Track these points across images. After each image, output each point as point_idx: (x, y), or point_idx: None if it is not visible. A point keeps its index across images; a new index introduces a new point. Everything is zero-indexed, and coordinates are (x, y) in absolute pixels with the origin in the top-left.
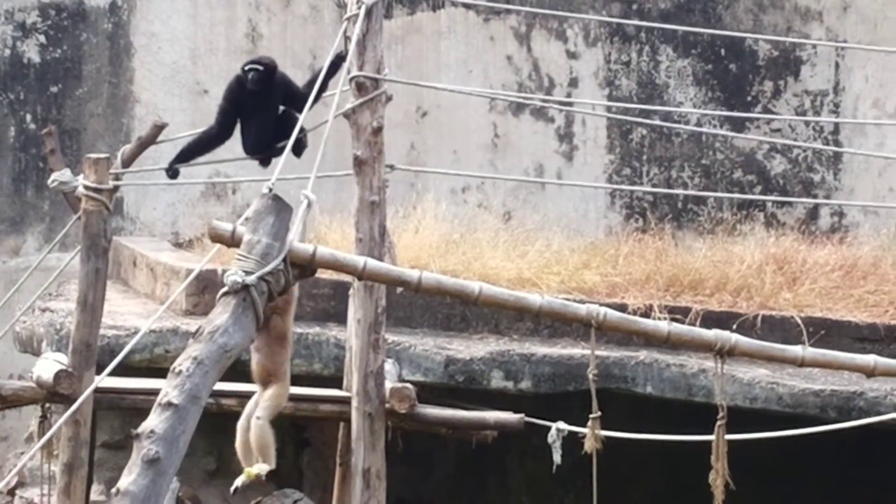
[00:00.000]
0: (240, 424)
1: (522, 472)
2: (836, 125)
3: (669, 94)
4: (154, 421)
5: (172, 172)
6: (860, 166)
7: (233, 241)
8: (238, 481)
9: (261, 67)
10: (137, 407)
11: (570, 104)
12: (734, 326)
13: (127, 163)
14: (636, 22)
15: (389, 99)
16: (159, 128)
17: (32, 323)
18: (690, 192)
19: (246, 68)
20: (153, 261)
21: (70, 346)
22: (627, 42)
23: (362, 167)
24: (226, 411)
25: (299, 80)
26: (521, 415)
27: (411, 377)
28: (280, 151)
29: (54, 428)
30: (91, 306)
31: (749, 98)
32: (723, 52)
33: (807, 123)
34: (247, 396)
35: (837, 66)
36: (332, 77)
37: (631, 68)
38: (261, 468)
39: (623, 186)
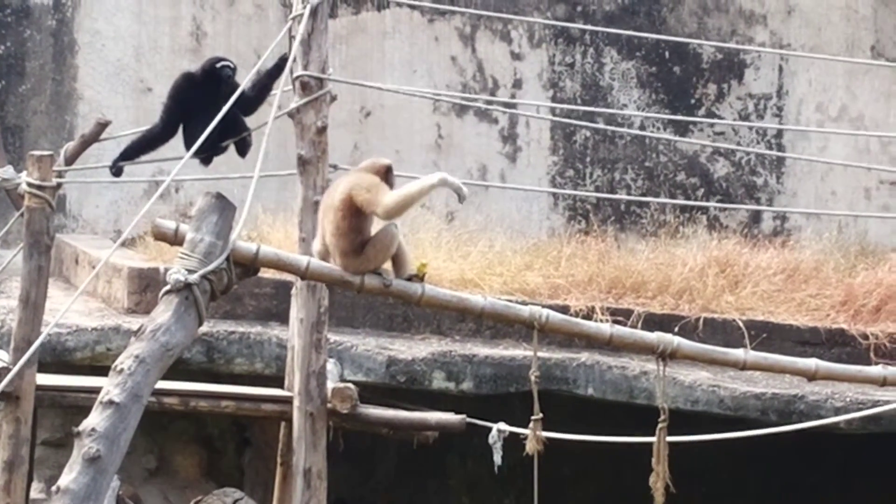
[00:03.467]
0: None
1: (463, 472)
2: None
3: (613, 96)
4: (95, 419)
5: (116, 170)
6: (803, 170)
7: (176, 240)
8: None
9: (231, 64)
10: (79, 405)
11: (514, 106)
12: (676, 329)
13: (70, 160)
14: (580, 25)
15: (334, 99)
16: (102, 125)
17: None
18: (633, 197)
19: (219, 66)
20: (95, 258)
21: (11, 343)
22: (572, 44)
23: (306, 167)
24: (167, 410)
25: (241, 79)
26: (463, 416)
27: (353, 377)
28: (223, 150)
29: None
30: (33, 304)
31: (693, 101)
32: (667, 54)
33: (750, 127)
34: (189, 395)
35: (781, 69)
36: (276, 78)
37: (575, 70)
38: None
39: (566, 190)
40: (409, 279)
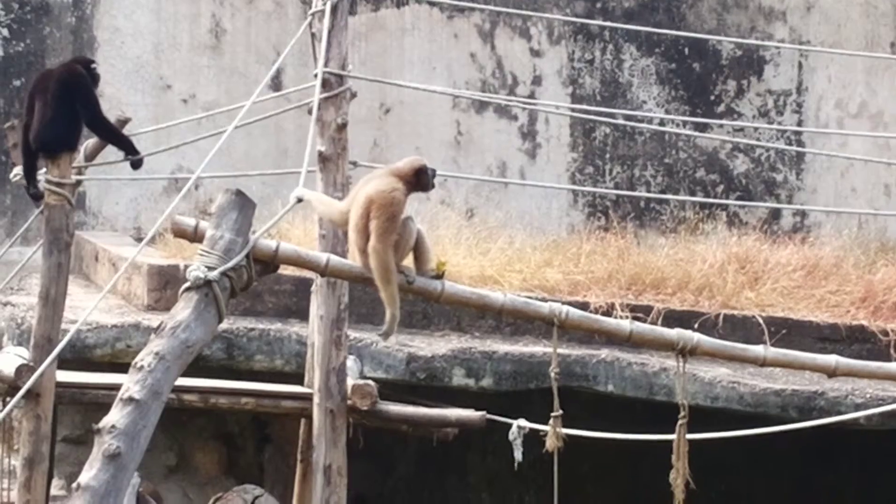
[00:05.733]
0: None
1: (483, 469)
2: (799, 125)
3: (633, 92)
4: (115, 416)
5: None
6: (822, 166)
7: (195, 237)
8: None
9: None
10: (99, 402)
11: (533, 103)
12: (696, 325)
13: (90, 157)
14: (599, 22)
15: (354, 95)
16: (122, 122)
17: None
18: (653, 194)
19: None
20: (115, 255)
21: (31, 340)
22: (591, 40)
23: (326, 163)
24: (187, 407)
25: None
26: (483, 412)
27: (373, 374)
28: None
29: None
30: (53, 301)
31: (712, 97)
32: (686, 51)
33: (770, 123)
34: (209, 392)
35: (801, 66)
36: (107, 144)
37: (595, 66)
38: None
39: (586, 187)
40: (436, 277)
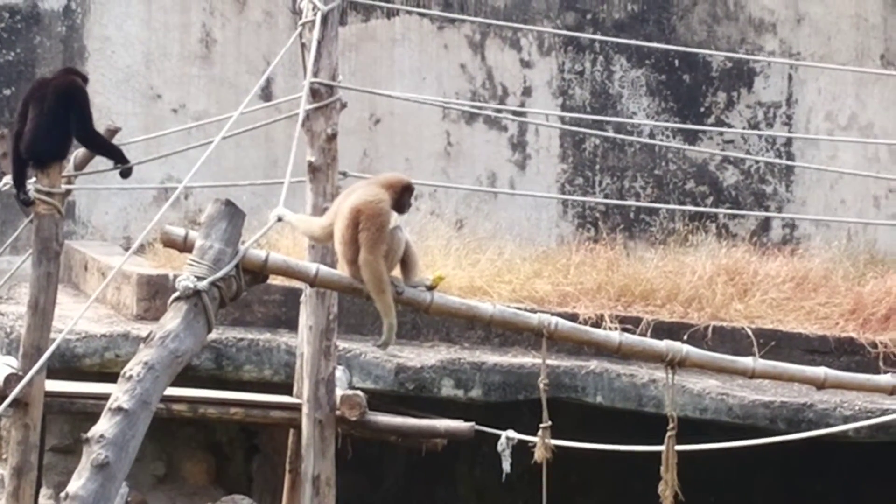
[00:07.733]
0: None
1: (472, 480)
2: (789, 138)
3: (623, 104)
4: (104, 425)
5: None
6: (812, 178)
7: (185, 247)
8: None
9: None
10: (87, 411)
11: (523, 114)
12: (685, 337)
13: (79, 167)
14: (590, 35)
15: (344, 106)
16: (112, 132)
17: None
18: (643, 203)
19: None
20: (104, 265)
21: (20, 349)
22: (581, 52)
23: (316, 174)
24: (176, 416)
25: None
26: (472, 423)
27: (362, 384)
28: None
29: None
30: (42, 310)
31: (702, 109)
32: (676, 62)
33: (759, 135)
34: (198, 402)
35: (791, 78)
36: (97, 154)
37: (585, 78)
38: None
39: (576, 197)
40: (429, 289)
